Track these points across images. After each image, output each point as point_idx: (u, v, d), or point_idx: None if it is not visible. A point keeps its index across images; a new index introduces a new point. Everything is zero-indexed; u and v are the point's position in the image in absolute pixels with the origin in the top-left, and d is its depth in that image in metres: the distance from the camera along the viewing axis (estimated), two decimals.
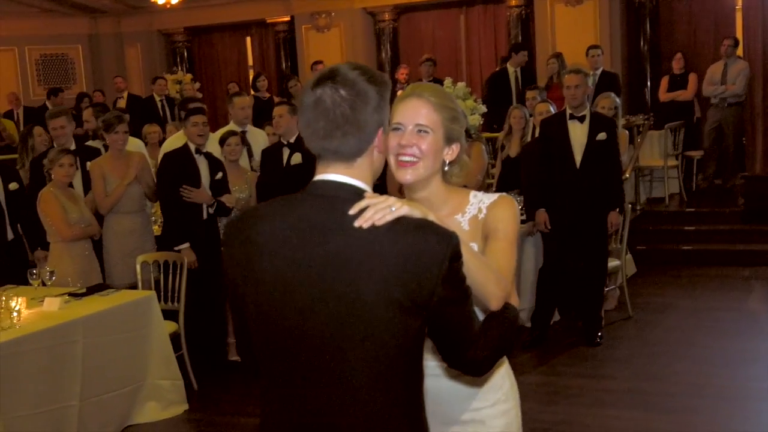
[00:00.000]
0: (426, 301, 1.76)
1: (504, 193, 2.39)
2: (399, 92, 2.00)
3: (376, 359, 1.77)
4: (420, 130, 2.20)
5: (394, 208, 1.76)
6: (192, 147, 5.93)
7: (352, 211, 1.76)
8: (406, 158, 2.21)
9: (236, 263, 1.88)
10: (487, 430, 2.37)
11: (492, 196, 2.33)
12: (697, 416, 4.80)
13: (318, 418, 1.82)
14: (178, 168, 5.87)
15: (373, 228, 1.74)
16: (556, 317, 6.57)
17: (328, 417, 1.81)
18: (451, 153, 2.27)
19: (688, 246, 8.75)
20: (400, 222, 1.76)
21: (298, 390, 1.84)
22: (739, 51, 10.15)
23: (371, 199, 1.79)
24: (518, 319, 2.11)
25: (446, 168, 2.29)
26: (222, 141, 6.26)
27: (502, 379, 2.40)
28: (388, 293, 1.74)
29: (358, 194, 1.81)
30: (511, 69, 10.05)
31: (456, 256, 1.78)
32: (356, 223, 1.75)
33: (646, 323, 6.63)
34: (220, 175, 6.00)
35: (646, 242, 8.68)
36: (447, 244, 1.77)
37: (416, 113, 2.21)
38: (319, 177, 1.85)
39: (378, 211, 1.75)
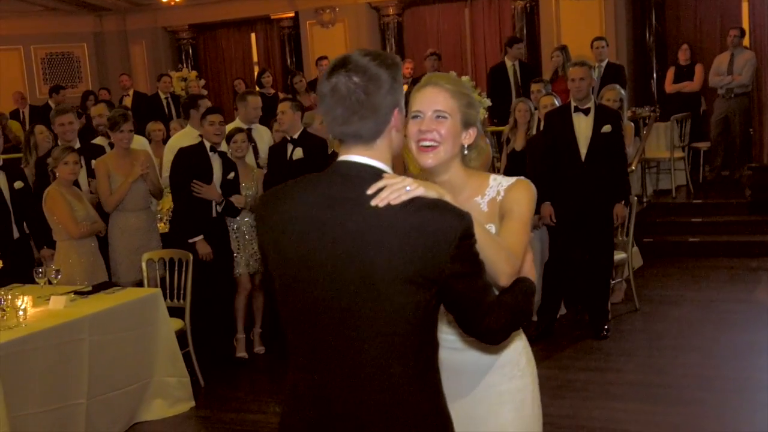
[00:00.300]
0: (436, 276, 1.86)
1: (522, 177, 2.46)
2: (404, 87, 2.06)
3: (389, 330, 1.87)
4: (438, 116, 2.32)
5: (409, 188, 1.86)
6: (207, 145, 5.97)
7: (370, 191, 1.87)
8: (427, 143, 2.33)
9: (266, 237, 2.01)
10: (503, 405, 2.44)
11: (510, 179, 2.44)
12: (705, 408, 4.78)
13: (335, 388, 1.92)
14: (191, 164, 5.90)
15: (389, 206, 1.84)
16: (563, 311, 6.56)
17: (344, 386, 1.91)
18: (468, 137, 2.39)
19: (695, 238, 8.71)
20: (415, 201, 1.86)
21: (316, 359, 1.94)
22: (746, 41, 10.09)
23: (389, 179, 1.89)
24: (534, 292, 2.21)
25: (465, 152, 2.40)
26: (229, 138, 6.27)
27: (519, 355, 2.48)
28: (400, 268, 1.84)
29: (377, 174, 1.92)
30: (509, 63, 9.97)
31: (467, 234, 1.88)
32: (372, 202, 1.85)
33: (653, 316, 6.61)
34: (232, 175, 6.03)
35: (653, 234, 8.65)
36: (458, 222, 1.87)
37: (434, 100, 2.33)
38: (341, 158, 1.97)
39: (394, 191, 1.85)
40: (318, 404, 1.95)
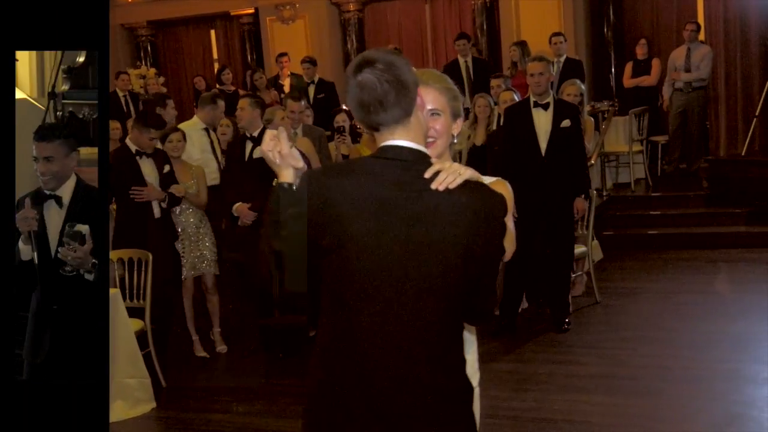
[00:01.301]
0: (485, 249, 2.13)
1: (500, 178, 2.66)
2: None
3: (448, 298, 2.12)
4: (432, 114, 2.49)
5: (461, 173, 2.11)
6: (132, 147, 5.86)
7: (427, 175, 2.11)
8: (427, 140, 2.46)
9: (320, 215, 2.10)
10: None
11: (491, 179, 2.61)
12: (664, 399, 4.84)
13: (397, 350, 2.10)
14: (120, 170, 5.70)
15: (447, 188, 2.09)
16: (524, 305, 6.59)
17: (406, 348, 2.10)
18: (457, 127, 2.58)
19: (654, 230, 8.82)
20: (468, 184, 2.13)
21: (377, 325, 2.10)
22: (701, 36, 10.22)
23: (440, 165, 2.14)
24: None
25: (454, 141, 2.61)
26: (163, 138, 6.16)
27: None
28: (462, 241, 2.09)
29: (423, 158, 2.16)
30: (461, 60, 9.95)
31: (505, 214, 2.20)
32: (433, 186, 2.09)
33: (614, 308, 6.68)
34: (167, 168, 5.92)
35: (613, 227, 8.74)
36: (502, 202, 2.19)
37: (425, 99, 2.44)
38: (388, 143, 2.16)
39: (450, 175, 2.10)
40: (370, 353, 2.11)
